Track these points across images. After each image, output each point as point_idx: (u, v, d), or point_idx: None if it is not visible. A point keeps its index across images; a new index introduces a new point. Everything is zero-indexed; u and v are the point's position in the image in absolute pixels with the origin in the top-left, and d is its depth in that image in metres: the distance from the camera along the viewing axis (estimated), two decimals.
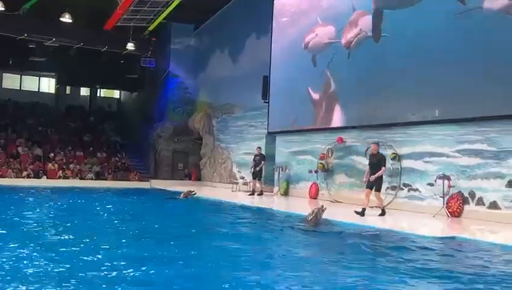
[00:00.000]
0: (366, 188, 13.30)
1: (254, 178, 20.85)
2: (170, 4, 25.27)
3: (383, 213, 13.22)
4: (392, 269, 6.71)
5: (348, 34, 17.61)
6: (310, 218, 11.22)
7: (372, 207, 13.50)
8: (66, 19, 27.58)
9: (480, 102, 12.85)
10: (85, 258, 6.80)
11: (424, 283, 6.15)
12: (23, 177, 26.38)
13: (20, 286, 5.25)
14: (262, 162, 20.63)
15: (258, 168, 20.47)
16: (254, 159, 20.83)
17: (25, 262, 6.45)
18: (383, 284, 5.85)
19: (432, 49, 14.21)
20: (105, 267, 6.26)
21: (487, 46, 12.65)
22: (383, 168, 13.11)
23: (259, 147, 21.37)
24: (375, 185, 13.11)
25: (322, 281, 5.89)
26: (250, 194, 20.58)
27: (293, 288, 5.66)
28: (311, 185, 19.33)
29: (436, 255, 8.17)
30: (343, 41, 17.87)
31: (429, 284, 6.11)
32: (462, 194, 13.31)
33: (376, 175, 13.02)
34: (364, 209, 12.95)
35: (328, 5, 19.21)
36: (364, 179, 13.61)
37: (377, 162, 13.20)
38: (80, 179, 27.79)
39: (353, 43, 17.38)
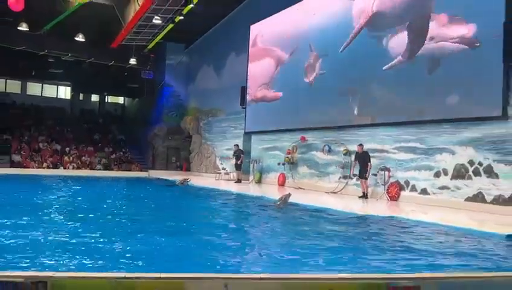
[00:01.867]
0: (360, 178, 14.14)
1: (237, 169, 20.91)
2: (165, 27, 25.15)
3: (364, 196, 13.93)
4: (329, 237, 7.01)
5: (309, 74, 17.79)
6: (278, 203, 11.31)
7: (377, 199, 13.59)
8: (80, 38, 27.20)
9: (414, 109, 13.09)
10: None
11: (331, 242, 6.61)
12: (44, 168, 25.99)
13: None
14: (242, 155, 20.82)
15: (239, 162, 20.69)
16: (234, 154, 20.96)
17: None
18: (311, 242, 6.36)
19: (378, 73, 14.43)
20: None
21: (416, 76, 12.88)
22: (369, 163, 13.87)
23: (237, 145, 21.45)
24: (366, 176, 13.92)
25: (282, 242, 6.14)
26: (236, 182, 20.77)
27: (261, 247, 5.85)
28: (280, 175, 19.44)
29: (370, 228, 8.37)
30: (306, 79, 18.00)
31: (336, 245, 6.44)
32: (399, 182, 13.54)
33: (368, 171, 13.86)
34: (364, 193, 13.92)
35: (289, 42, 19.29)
36: (352, 172, 14.74)
37: (363, 158, 13.99)
38: (91, 169, 27.48)
39: (312, 78, 17.53)
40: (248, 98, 22.08)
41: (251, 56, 22.18)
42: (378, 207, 12.06)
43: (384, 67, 14.02)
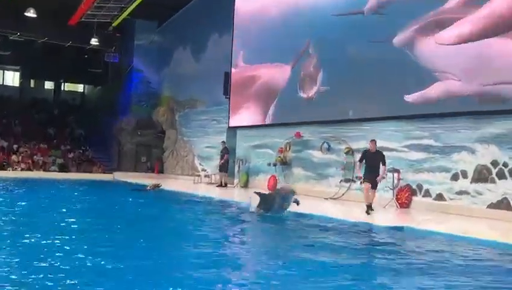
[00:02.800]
0: (365, 182, 12.24)
1: (221, 171, 21.10)
2: (134, 1, 25.01)
3: (369, 209, 11.96)
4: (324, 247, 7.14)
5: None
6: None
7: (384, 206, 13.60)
8: (31, 13, 26.96)
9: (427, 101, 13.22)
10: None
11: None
12: None
13: None
14: (226, 155, 20.85)
15: (222, 162, 20.76)
16: (220, 154, 21.14)
17: None
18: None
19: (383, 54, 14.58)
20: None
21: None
22: (383, 167, 12.05)
23: (223, 141, 21.51)
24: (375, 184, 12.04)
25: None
26: (218, 186, 20.90)
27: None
28: (270, 178, 19.44)
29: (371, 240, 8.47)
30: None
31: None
32: (411, 186, 13.68)
33: (380, 176, 12.03)
34: (370, 205, 12.01)
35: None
36: (359, 175, 13.44)
37: (376, 159, 12.01)
38: (44, 171, 27.29)
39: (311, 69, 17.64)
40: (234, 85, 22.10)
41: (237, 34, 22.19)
42: (385, 216, 12.17)
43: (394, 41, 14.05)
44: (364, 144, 15.22)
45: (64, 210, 11.52)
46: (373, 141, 12.52)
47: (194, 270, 5.76)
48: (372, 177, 12.05)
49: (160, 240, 8.10)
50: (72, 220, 9.85)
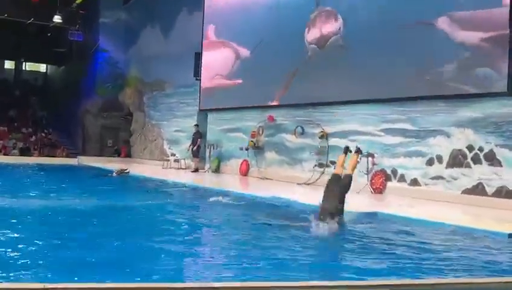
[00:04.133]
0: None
1: (194, 156, 21.11)
2: None
3: None
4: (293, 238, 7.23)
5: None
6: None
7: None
8: None
9: (404, 83, 13.35)
10: None
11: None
12: None
13: None
14: (199, 140, 20.90)
15: (195, 147, 20.80)
16: (192, 137, 21.14)
17: None
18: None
19: (357, 35, 14.62)
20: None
21: (408, 35, 13.12)
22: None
23: (196, 125, 21.48)
24: None
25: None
26: (193, 171, 20.90)
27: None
28: (242, 162, 19.52)
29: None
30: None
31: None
32: (385, 171, 13.85)
33: None
34: None
35: None
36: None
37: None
38: (4, 155, 26.83)
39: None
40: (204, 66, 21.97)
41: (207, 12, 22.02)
42: (360, 201, 12.30)
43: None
44: (339, 128, 15.41)
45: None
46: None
47: None
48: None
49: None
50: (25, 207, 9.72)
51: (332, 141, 15.58)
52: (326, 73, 15.70)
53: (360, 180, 14.15)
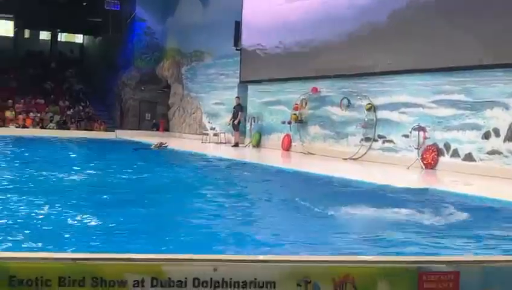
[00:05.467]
0: None
1: (235, 130, 21.28)
2: None
3: None
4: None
5: None
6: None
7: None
8: None
9: (458, 52, 13.01)
10: None
11: None
12: None
13: None
14: (240, 113, 20.90)
15: (236, 121, 20.82)
16: (233, 110, 21.16)
17: None
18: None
19: None
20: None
21: None
22: None
23: (238, 97, 21.49)
24: None
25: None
26: (233, 146, 21.02)
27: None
28: (284, 137, 19.47)
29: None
30: None
31: None
32: (437, 145, 13.60)
33: None
34: None
35: None
36: None
37: None
38: (41, 128, 27.46)
39: None
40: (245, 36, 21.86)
41: None
42: (409, 177, 12.17)
43: None
44: (388, 100, 15.18)
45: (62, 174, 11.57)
46: None
47: None
48: None
49: None
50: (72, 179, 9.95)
51: (381, 114, 15.36)
52: (375, 40, 15.43)
53: (410, 155, 14.00)
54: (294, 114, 18.82)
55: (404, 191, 9.55)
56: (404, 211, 7.38)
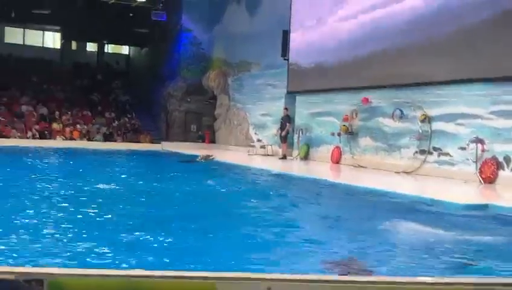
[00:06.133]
0: None
1: (283, 142, 21.25)
2: None
3: None
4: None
5: None
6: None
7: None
8: None
9: None
10: None
11: None
12: (28, 138, 26.69)
13: None
14: (287, 124, 20.87)
15: (283, 133, 20.77)
16: (280, 121, 21.15)
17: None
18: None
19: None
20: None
21: None
22: None
23: (286, 108, 21.49)
24: None
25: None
26: (280, 158, 20.99)
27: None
28: (334, 149, 19.33)
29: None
30: None
31: None
32: (497, 158, 13.25)
33: None
34: None
35: None
36: None
37: None
38: (88, 140, 28.04)
39: None
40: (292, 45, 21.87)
41: None
42: (467, 191, 11.87)
43: None
44: (443, 111, 14.90)
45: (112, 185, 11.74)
46: None
47: None
48: None
49: None
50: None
51: (436, 125, 15.07)
52: (429, 49, 15.19)
53: (467, 169, 13.68)
54: (344, 125, 18.68)
55: (463, 208, 9.31)
56: (469, 231, 7.20)
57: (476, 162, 13.51)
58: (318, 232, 7.33)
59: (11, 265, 4.56)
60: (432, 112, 15.26)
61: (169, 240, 6.17)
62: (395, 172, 15.71)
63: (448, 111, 14.72)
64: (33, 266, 4.60)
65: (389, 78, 16.71)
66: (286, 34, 22.20)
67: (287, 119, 21.15)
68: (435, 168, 15.02)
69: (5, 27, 35.86)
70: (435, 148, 15.08)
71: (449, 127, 14.69)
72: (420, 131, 15.50)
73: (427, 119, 15.37)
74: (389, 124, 16.94)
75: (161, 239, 6.14)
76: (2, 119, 27.60)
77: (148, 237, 6.20)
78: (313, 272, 5.01)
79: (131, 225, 6.99)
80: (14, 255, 5.27)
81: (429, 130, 15.28)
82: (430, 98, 15.49)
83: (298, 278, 3.12)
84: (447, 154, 14.77)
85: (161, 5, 30.64)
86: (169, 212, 8.48)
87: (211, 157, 19.09)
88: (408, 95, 16.29)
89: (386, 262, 5.62)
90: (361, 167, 17.45)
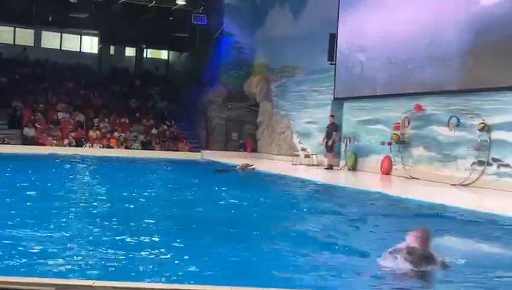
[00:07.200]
0: None
1: (329, 151, 21.15)
2: None
3: None
4: None
5: None
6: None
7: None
8: None
9: None
10: None
11: None
12: (64, 146, 27.10)
13: None
14: (334, 133, 20.69)
15: (330, 142, 20.61)
16: (326, 130, 21.03)
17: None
18: None
19: None
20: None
21: None
22: None
23: (332, 115, 21.33)
24: None
25: None
26: (326, 168, 20.95)
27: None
28: (384, 159, 19.04)
29: None
30: None
31: None
32: None
33: None
34: None
35: None
36: None
37: None
38: (126, 148, 28.33)
39: None
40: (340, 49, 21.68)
41: None
42: None
43: None
44: (504, 119, 14.50)
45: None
46: None
47: None
48: None
49: None
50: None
51: (496, 135, 14.69)
52: (488, 52, 14.84)
53: None
54: (395, 134, 18.39)
55: None
56: None
57: None
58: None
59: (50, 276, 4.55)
60: (491, 120, 14.90)
61: None
62: (451, 184, 15.36)
63: (509, 119, 14.32)
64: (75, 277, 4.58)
65: (444, 83, 16.40)
66: (333, 37, 22.04)
67: (333, 128, 20.96)
68: (494, 180, 14.64)
69: (42, 31, 36.57)
70: (494, 159, 14.68)
71: (510, 136, 14.30)
72: (478, 140, 15.14)
73: (486, 127, 15.01)
74: (444, 132, 16.61)
75: None
76: (39, 126, 28.09)
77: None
78: None
79: None
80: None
81: (488, 140, 14.91)
82: (489, 105, 15.13)
83: None
84: (507, 165, 14.37)
85: (201, 8, 30.84)
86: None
87: (250, 167, 18.79)
88: (465, 101, 15.94)
89: None
90: (414, 178, 17.15)
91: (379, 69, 19.42)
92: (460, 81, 15.82)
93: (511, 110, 14.39)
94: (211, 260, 5.96)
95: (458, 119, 16.07)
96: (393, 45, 18.75)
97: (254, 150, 29.70)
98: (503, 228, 8.94)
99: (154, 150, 28.79)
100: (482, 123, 15.12)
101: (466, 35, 15.63)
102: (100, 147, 27.85)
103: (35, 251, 5.98)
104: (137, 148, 28.64)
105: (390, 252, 5.78)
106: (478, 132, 15.20)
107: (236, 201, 11.09)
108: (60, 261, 5.57)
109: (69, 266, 5.42)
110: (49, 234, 6.84)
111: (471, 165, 15.34)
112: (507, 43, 14.31)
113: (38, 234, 6.81)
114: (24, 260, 5.55)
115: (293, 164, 23.18)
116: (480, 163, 15.12)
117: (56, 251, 5.98)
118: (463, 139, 15.87)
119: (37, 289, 2.39)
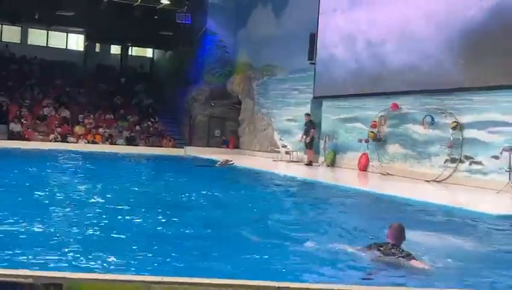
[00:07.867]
0: None
1: (308, 148, 21.19)
2: None
3: None
4: None
5: None
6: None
7: None
8: None
9: None
10: None
11: None
12: (50, 141, 26.98)
13: None
14: (312, 130, 20.78)
15: (308, 139, 20.72)
16: (304, 127, 21.11)
17: None
18: None
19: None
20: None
21: None
22: None
23: (308, 114, 21.42)
24: None
25: None
26: (306, 164, 20.96)
27: None
28: (361, 156, 19.20)
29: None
30: None
31: None
32: None
33: None
34: None
35: None
36: None
37: None
38: (110, 144, 28.27)
39: None
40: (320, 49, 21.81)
41: None
42: (501, 203, 11.71)
43: None
44: (476, 118, 14.72)
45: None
46: None
47: None
48: None
49: None
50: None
51: (468, 133, 14.90)
52: (462, 54, 15.04)
53: (500, 179, 13.49)
54: (372, 132, 18.55)
55: (498, 218, 9.19)
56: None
57: (509, 171, 13.30)
58: None
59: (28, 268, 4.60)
60: (464, 119, 15.11)
61: None
62: (425, 181, 15.56)
63: (481, 118, 14.56)
64: (52, 270, 4.63)
65: (419, 83, 16.58)
66: (313, 37, 22.14)
67: (310, 125, 21.04)
68: (466, 177, 14.85)
69: (29, 29, 36.39)
70: (466, 157, 14.89)
71: (482, 134, 14.53)
72: (451, 139, 15.34)
73: (458, 126, 15.20)
74: (419, 131, 16.81)
75: None
76: (25, 122, 27.94)
77: None
78: None
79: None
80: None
81: (461, 138, 15.11)
82: (462, 104, 15.34)
83: (305, 287, 3.11)
84: (479, 163, 14.59)
85: (186, 7, 30.82)
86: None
87: (230, 163, 19.10)
88: (439, 101, 16.14)
89: None
90: (389, 174, 17.33)
91: (357, 68, 19.54)
92: (433, 81, 15.98)
93: (482, 109, 14.60)
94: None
95: (432, 118, 16.27)
96: (372, 44, 18.91)
97: (236, 146, 29.75)
98: (471, 222, 9.12)
99: (138, 145, 28.74)
100: (455, 122, 15.31)
101: (441, 37, 15.82)
102: (85, 142, 27.76)
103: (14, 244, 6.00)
104: (122, 144, 28.58)
105: (367, 247, 6.17)
106: (451, 130, 15.39)
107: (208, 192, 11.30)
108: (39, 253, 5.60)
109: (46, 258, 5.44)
110: (28, 228, 6.88)
111: (445, 163, 15.56)
112: (478, 45, 14.52)
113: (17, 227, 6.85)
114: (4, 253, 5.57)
115: (274, 160, 23.28)
116: (453, 160, 15.33)
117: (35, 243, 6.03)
118: (437, 137, 16.06)
119: (15, 281, 2.43)
